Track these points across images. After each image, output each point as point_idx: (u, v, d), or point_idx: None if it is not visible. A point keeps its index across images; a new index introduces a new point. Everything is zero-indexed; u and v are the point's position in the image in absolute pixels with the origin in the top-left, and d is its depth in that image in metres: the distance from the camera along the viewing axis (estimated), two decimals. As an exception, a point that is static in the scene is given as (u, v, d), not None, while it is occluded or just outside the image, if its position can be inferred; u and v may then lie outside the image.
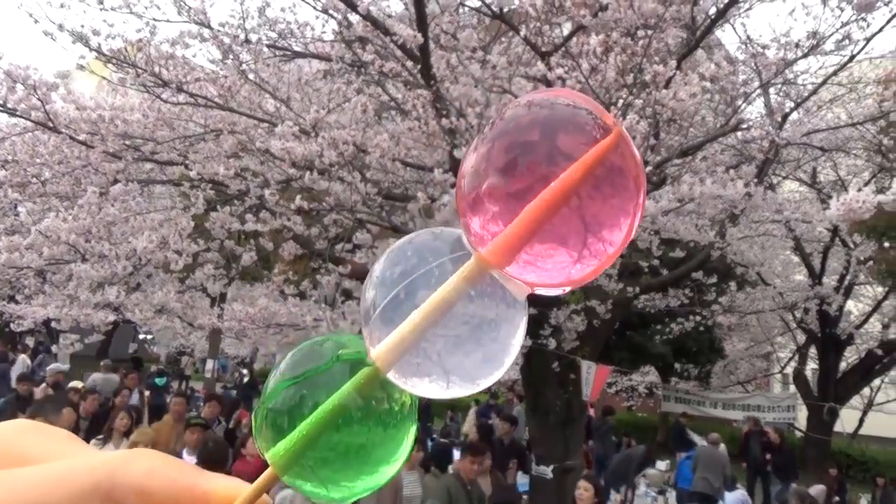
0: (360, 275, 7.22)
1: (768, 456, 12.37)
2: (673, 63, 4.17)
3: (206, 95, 6.58)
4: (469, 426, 13.77)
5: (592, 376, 7.46)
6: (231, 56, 6.92)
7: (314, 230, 7.33)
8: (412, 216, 7.28)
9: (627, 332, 14.23)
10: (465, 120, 5.31)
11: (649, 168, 4.84)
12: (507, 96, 5.20)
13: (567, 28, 7.69)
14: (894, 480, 16.24)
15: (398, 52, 6.24)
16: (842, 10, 4.96)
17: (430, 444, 13.01)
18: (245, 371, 23.57)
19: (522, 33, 4.94)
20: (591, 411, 12.57)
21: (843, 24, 5.12)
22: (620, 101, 4.08)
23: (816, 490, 10.70)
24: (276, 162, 6.20)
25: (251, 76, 6.85)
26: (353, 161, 5.75)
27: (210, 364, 14.45)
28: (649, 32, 5.01)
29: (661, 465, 12.32)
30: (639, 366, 16.54)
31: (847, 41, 5.59)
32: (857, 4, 4.74)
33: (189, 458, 5.23)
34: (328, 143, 5.27)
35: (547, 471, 7.40)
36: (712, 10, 6.59)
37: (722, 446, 10.79)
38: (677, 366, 15.76)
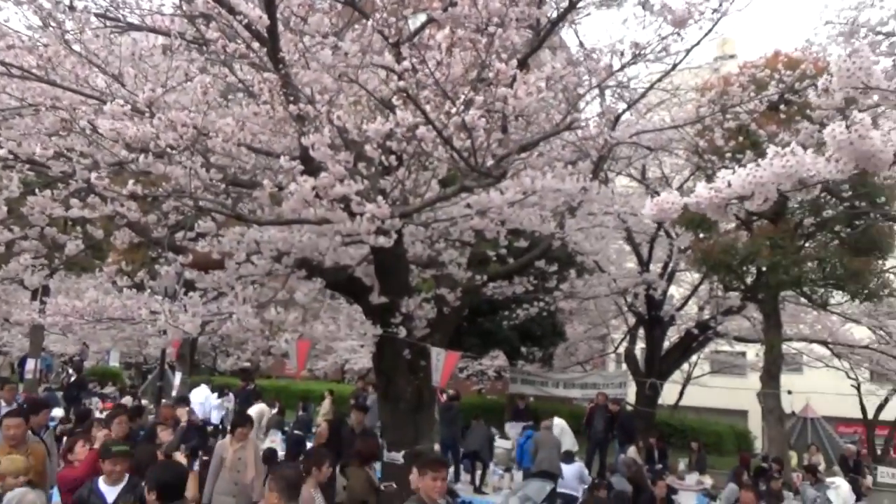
0: (204, 265, 6.87)
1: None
2: (514, 62, 4.36)
3: (21, 66, 5.89)
4: (323, 416, 13.63)
5: (442, 362, 7.66)
6: (52, 23, 6.24)
7: (152, 217, 6.85)
8: (260, 204, 7.04)
9: (477, 318, 14.73)
10: (315, 107, 5.21)
11: (491, 162, 5.04)
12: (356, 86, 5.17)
13: (422, 19, 7.79)
14: (707, 445, 18.30)
15: (245, 33, 5.98)
16: (660, 24, 5.48)
17: (282, 436, 12.74)
18: (72, 371, 21.55)
19: (372, 22, 4.92)
20: (443, 397, 12.91)
21: (662, 38, 5.64)
22: (462, 97, 4.21)
23: (631, 452, 11.96)
24: (107, 143, 5.71)
25: (77, 47, 6.23)
26: (195, 145, 5.44)
27: (31, 364, 13.05)
28: (497, 30, 5.20)
29: (507, 443, 12.97)
30: (488, 350, 17.21)
31: (664, 52, 6.16)
32: (673, 20, 5.24)
33: (111, 489, 4.56)
34: (165, 125, 4.94)
35: (398, 456, 7.52)
36: (553, 13, 6.98)
37: (557, 427, 11.66)
38: (523, 349, 16.60)
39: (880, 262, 12.68)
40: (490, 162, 5.01)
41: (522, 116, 7.00)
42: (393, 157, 5.66)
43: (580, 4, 7.64)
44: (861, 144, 2.18)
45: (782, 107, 10.45)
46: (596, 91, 10.66)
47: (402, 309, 7.59)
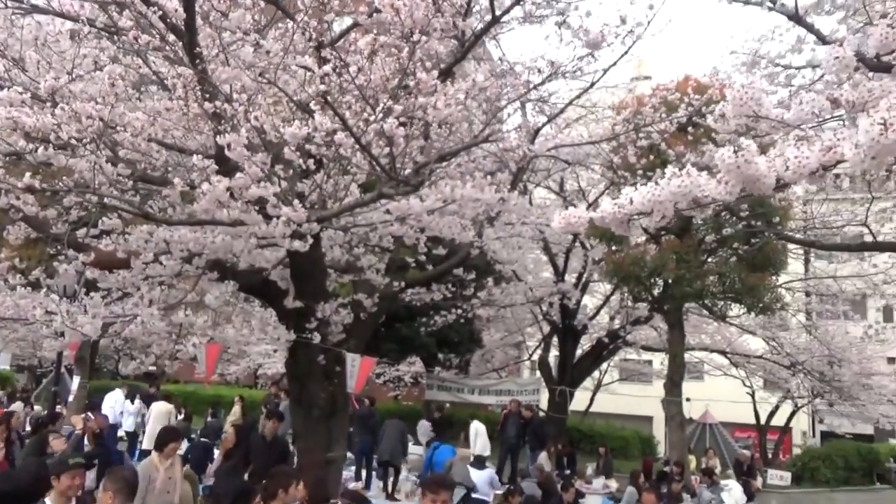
0: (107, 263, 6.55)
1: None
2: (436, 73, 4.42)
3: None
4: (232, 422, 13.22)
5: (357, 368, 7.61)
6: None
7: (51, 212, 6.46)
8: (171, 203, 6.78)
9: (395, 324, 14.73)
10: (232, 106, 5.08)
11: (408, 171, 5.07)
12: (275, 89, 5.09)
13: (350, 22, 7.73)
14: (614, 450, 18.95)
15: (161, 24, 5.76)
16: (574, 45, 5.70)
17: (186, 443, 12.24)
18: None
19: (293, 24, 4.87)
20: (358, 404, 12.81)
21: (578, 58, 5.87)
22: (382, 104, 4.22)
23: (542, 457, 12.29)
24: (4, 132, 5.36)
25: (-29, 27, 5.82)
26: (101, 138, 5.18)
27: None
28: (422, 39, 5.25)
29: (420, 449, 12.99)
30: (405, 356, 17.22)
31: (579, 72, 6.40)
32: (587, 42, 5.46)
33: None
34: (69, 116, 4.69)
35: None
36: (478, 26, 7.11)
37: (473, 430, 11.80)
38: (440, 355, 16.72)
39: (774, 277, 13.57)
40: (408, 170, 5.03)
41: (445, 125, 7.09)
42: (312, 161, 5.59)
43: (504, 19, 7.81)
44: (747, 169, 2.36)
45: (690, 129, 11.03)
46: (517, 104, 10.94)
47: (317, 314, 7.48)
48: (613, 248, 13.53)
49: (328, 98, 4.51)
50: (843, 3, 7.17)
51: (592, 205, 13.23)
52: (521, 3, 7.12)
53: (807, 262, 19.16)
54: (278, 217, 4.86)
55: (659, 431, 23.80)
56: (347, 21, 7.95)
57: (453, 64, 6.79)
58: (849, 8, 7.21)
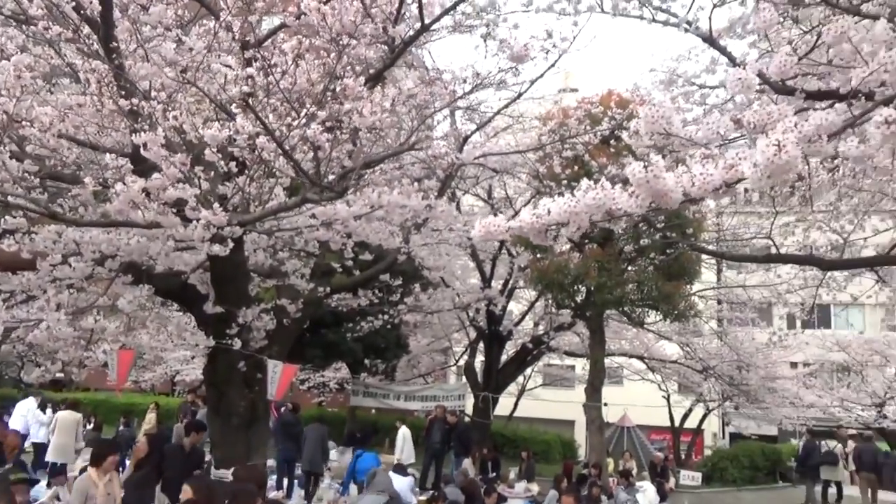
0: (10, 265, 6.17)
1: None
2: (363, 79, 4.42)
3: None
4: (146, 431, 12.69)
5: (279, 375, 7.46)
6: None
7: (-54, 208, 6.04)
8: (83, 202, 6.46)
9: (321, 329, 14.51)
10: (151, 103, 4.90)
11: (333, 176, 5.04)
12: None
13: (278, 22, 7.59)
14: (536, 454, 19.31)
15: (74, 15, 5.50)
16: (499, 57, 5.83)
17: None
18: None
19: (218, 21, 4.75)
20: (278, 413, 12.54)
21: (502, 70, 5.99)
22: (306, 109, 4.18)
23: (466, 463, 12.41)
24: None
25: None
26: (6, 132, 4.89)
27: None
28: (350, 43, 5.22)
29: (344, 457, 12.84)
30: (331, 362, 17.01)
31: (503, 84, 6.53)
32: (511, 56, 5.59)
33: None
34: (-32, 108, 4.40)
35: (227, 474, 7.17)
36: (408, 33, 7.13)
37: (401, 435, 11.74)
38: (367, 361, 16.60)
39: (688, 286, 14.21)
40: (332, 176, 4.99)
41: (374, 131, 7.07)
42: (234, 164, 5.46)
43: (434, 27, 7.87)
44: (656, 183, 2.48)
45: (612, 142, 11.43)
46: (447, 112, 11.05)
47: (239, 319, 7.29)
48: (538, 255, 13.83)
49: (250, 101, 4.42)
50: (753, 28, 7.61)
51: (518, 213, 13.47)
52: (451, 13, 7.20)
53: (719, 271, 20.18)
54: (198, 220, 4.72)
55: (580, 435, 24.44)
56: (277, 20, 7.82)
57: (382, 70, 6.78)
58: (759, 32, 7.67)
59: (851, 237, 10.19)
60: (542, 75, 8.78)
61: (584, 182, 2.60)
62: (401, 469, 10.52)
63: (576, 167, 12.02)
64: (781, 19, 7.43)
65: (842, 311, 25.80)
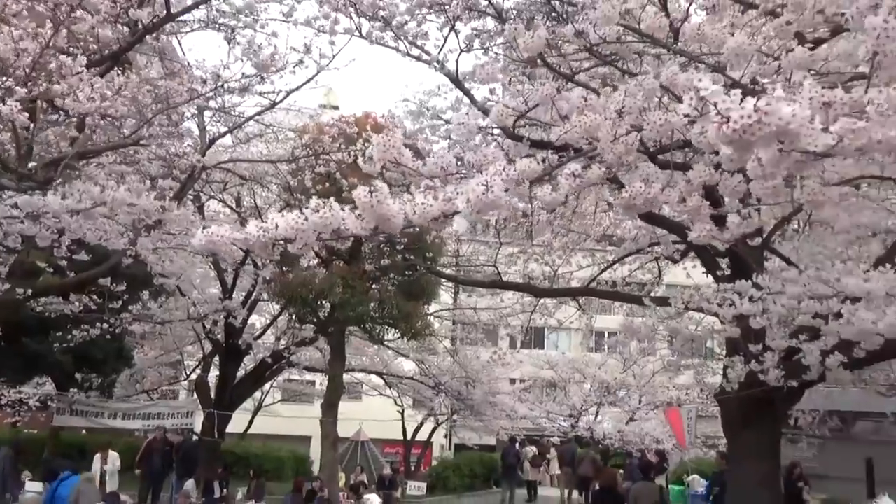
0: None
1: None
2: (84, 59, 3.97)
3: None
4: None
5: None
6: None
7: None
8: None
9: (22, 338, 12.50)
10: None
11: (34, 163, 4.44)
12: None
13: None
14: (269, 471, 18.77)
15: None
16: (243, 62, 5.70)
17: None
18: None
19: None
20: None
21: (246, 77, 5.86)
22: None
23: (188, 485, 11.72)
24: None
25: None
26: None
27: None
28: (73, 15, 4.66)
29: (38, 485, 11.14)
30: (33, 376, 14.71)
31: (247, 91, 6.40)
32: (256, 63, 5.51)
33: None
34: None
35: None
36: (151, 19, 6.60)
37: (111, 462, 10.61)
38: (79, 375, 14.66)
39: (426, 306, 15.09)
40: (32, 163, 4.39)
41: (109, 119, 6.38)
42: None
43: (186, 19, 7.41)
44: (380, 208, 2.62)
45: (364, 163, 11.75)
46: (194, 110, 10.40)
47: None
48: (284, 269, 13.59)
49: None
50: (489, 77, 8.44)
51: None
52: (206, 6, 6.86)
53: (455, 294, 21.79)
54: None
55: (316, 451, 24.37)
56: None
57: (119, 53, 6.18)
58: (501, 81, 8.53)
59: (560, 270, 11.76)
60: (298, 88, 8.75)
61: (313, 201, 2.65)
62: (115, 498, 9.47)
63: (327, 184, 12.11)
64: (517, 74, 8.37)
65: (552, 334, 29.55)
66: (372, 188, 2.56)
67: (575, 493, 17.31)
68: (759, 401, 7.18)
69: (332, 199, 2.84)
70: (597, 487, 11.91)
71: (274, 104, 9.08)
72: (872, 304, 5.30)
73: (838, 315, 5.46)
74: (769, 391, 6.80)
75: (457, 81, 7.72)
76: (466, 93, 8.00)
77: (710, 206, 4.64)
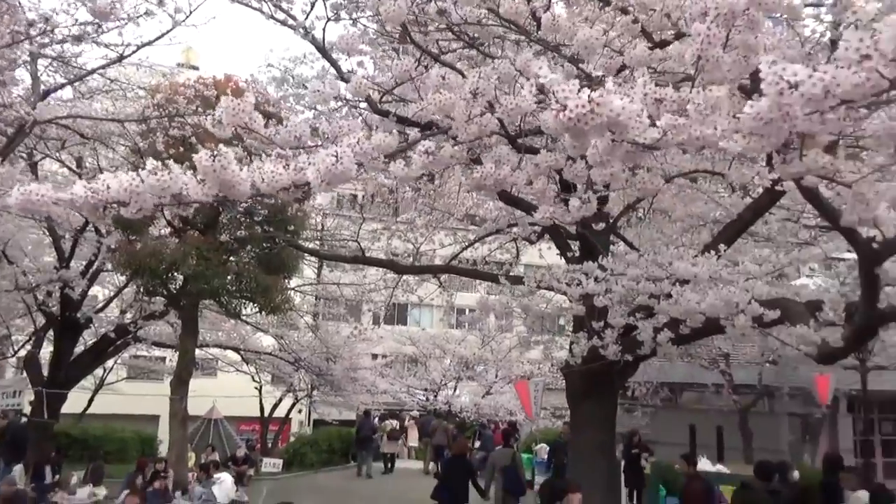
0: None
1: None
2: None
3: None
4: None
5: None
6: None
7: None
8: None
9: None
10: None
11: None
12: None
13: None
14: (111, 453, 17.62)
15: None
16: (77, 8, 5.19)
17: None
18: None
19: None
20: None
21: (80, 23, 5.34)
22: None
23: (16, 470, 10.83)
24: None
25: None
26: None
27: None
28: None
29: None
30: None
31: (80, 39, 5.86)
32: (93, 10, 5.04)
33: None
34: None
35: None
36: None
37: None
38: None
39: (286, 280, 14.69)
40: None
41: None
42: None
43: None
44: (223, 174, 2.50)
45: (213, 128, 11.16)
46: (27, 56, 9.35)
47: None
48: (132, 237, 12.65)
49: None
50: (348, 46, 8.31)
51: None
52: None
53: (319, 268, 21.41)
54: None
55: (165, 431, 23.11)
56: None
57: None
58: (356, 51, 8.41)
59: (423, 248, 11.91)
60: (150, 42, 8.13)
61: (150, 162, 2.47)
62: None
63: (182, 148, 11.38)
64: (387, 49, 8.29)
65: (414, 310, 29.97)
66: (215, 152, 2.44)
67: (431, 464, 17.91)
68: (599, 374, 7.74)
69: (172, 162, 2.68)
70: (449, 455, 12.44)
71: (121, 57, 8.37)
72: (698, 287, 5.88)
73: (669, 295, 6.02)
74: (608, 365, 7.36)
75: (323, 51, 7.50)
76: (333, 63, 7.80)
77: (562, 191, 4.90)
